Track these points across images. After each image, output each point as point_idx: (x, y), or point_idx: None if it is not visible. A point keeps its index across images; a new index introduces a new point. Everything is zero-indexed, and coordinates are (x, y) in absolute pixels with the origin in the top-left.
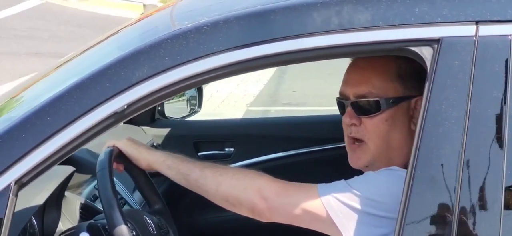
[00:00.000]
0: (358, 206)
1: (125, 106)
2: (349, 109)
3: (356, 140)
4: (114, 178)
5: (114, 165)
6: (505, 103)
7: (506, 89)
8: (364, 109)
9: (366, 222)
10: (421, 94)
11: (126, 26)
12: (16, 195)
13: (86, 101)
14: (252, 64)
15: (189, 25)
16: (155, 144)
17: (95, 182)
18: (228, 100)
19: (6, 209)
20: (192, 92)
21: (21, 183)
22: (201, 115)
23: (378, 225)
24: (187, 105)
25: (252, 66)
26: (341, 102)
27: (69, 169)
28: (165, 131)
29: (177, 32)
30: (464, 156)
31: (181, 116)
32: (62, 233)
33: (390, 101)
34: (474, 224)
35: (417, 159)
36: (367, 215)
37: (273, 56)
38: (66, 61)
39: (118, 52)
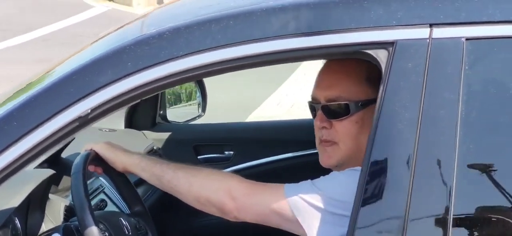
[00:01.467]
0: (322, 206)
1: (89, 111)
2: (319, 112)
3: (328, 141)
4: (106, 180)
5: (92, 168)
6: (457, 105)
7: (459, 91)
8: (334, 112)
9: (330, 221)
10: None
11: (108, 33)
12: None
13: (51, 106)
14: (212, 68)
15: (153, 30)
16: (155, 147)
17: None
18: (298, 104)
19: None
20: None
21: None
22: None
23: (342, 224)
24: (198, 109)
25: (212, 71)
26: (312, 106)
27: (48, 172)
28: (165, 135)
29: (140, 38)
30: (416, 157)
31: (184, 120)
32: (40, 234)
33: (359, 104)
34: (424, 225)
35: (370, 160)
36: (331, 215)
37: (232, 60)
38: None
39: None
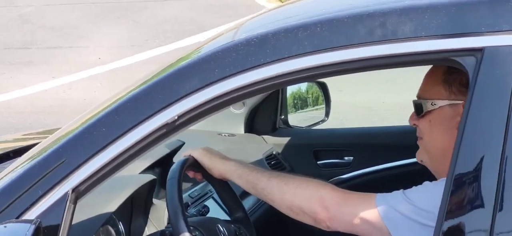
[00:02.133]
0: (413, 217)
1: (176, 117)
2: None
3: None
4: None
5: (192, 174)
6: None
7: None
8: (416, 109)
9: (421, 232)
10: None
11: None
12: (74, 203)
13: (139, 113)
14: (297, 76)
15: (241, 37)
16: (274, 152)
17: (192, 190)
18: None
19: (63, 216)
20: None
21: (78, 191)
22: None
23: None
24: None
25: (297, 78)
26: None
27: (148, 177)
28: (285, 140)
29: (229, 45)
30: (504, 168)
31: (307, 125)
32: None
33: (431, 103)
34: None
35: (455, 169)
36: (421, 226)
37: (317, 67)
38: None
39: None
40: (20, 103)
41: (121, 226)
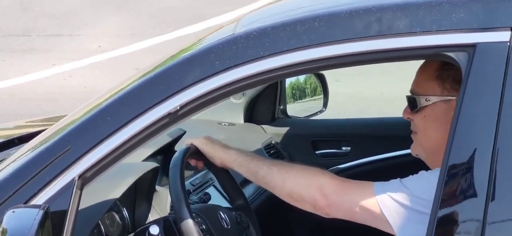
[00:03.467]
0: (410, 205)
1: (178, 107)
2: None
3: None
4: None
5: (194, 162)
6: None
7: None
8: (409, 104)
9: (418, 220)
10: None
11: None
12: (81, 189)
13: (143, 102)
14: (295, 68)
15: (241, 31)
16: (273, 142)
17: (194, 178)
18: None
19: (70, 202)
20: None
21: (84, 178)
22: None
23: (427, 223)
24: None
25: (295, 71)
26: None
27: (151, 165)
28: (284, 130)
29: (229, 38)
30: (495, 161)
31: (305, 115)
32: (144, 225)
33: (425, 99)
34: (503, 229)
35: (448, 161)
36: (418, 213)
37: (315, 61)
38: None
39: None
40: (21, 90)
41: (125, 212)
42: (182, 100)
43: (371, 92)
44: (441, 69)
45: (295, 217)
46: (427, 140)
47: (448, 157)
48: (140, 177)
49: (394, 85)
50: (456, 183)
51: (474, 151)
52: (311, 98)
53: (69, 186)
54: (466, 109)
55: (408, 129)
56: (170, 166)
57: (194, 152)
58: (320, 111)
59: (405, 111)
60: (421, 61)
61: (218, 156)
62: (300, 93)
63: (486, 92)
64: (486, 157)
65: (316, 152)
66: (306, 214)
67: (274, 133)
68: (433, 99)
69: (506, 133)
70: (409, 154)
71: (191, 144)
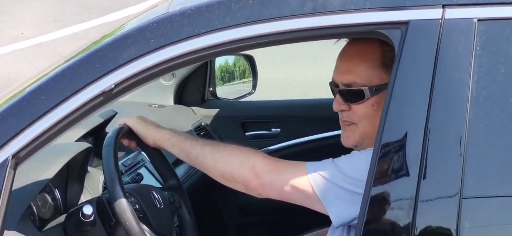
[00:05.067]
0: (342, 184)
1: (113, 86)
2: (337, 96)
3: (348, 122)
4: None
5: (126, 142)
6: (468, 85)
7: (470, 72)
8: (351, 96)
9: (349, 199)
10: None
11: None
12: (14, 169)
13: (77, 81)
14: (230, 46)
15: (175, 9)
16: (203, 124)
17: (125, 158)
18: None
19: (3, 181)
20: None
21: (18, 157)
22: None
23: (359, 202)
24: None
25: (231, 49)
26: (332, 89)
27: (84, 145)
28: (214, 112)
29: (164, 16)
30: (427, 138)
31: (234, 97)
32: (76, 206)
33: (374, 89)
34: (435, 205)
35: (381, 140)
36: (350, 193)
37: (249, 38)
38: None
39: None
40: None
41: (57, 193)
42: (117, 78)
43: (295, 77)
44: (384, 56)
45: (227, 197)
46: (372, 126)
47: (381, 137)
48: (73, 157)
49: (317, 71)
50: (389, 162)
51: (407, 130)
52: (240, 81)
53: (2, 165)
54: (398, 87)
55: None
56: (103, 145)
57: (127, 132)
58: (249, 93)
59: (338, 103)
60: (347, 52)
61: (151, 136)
62: (229, 75)
63: (419, 69)
64: (418, 136)
65: (246, 133)
66: (238, 194)
67: (204, 115)
68: (381, 87)
69: (438, 111)
70: (338, 136)
71: (124, 124)
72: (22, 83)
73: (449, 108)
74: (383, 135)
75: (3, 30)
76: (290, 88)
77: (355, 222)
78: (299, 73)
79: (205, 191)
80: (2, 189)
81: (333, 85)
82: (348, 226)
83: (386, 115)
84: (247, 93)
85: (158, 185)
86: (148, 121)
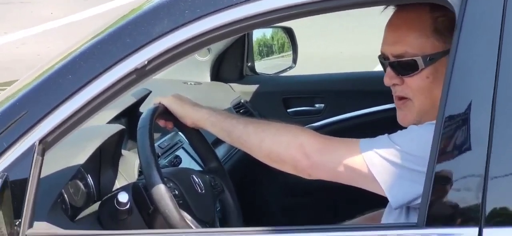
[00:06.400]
0: (400, 162)
1: (146, 62)
2: (388, 70)
3: (402, 98)
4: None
5: (163, 122)
6: None
7: None
8: (403, 68)
9: (408, 177)
10: None
11: None
12: (42, 155)
13: (107, 58)
14: (271, 16)
15: None
16: (242, 101)
17: (161, 140)
18: None
19: (31, 169)
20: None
21: (45, 143)
22: None
23: (420, 181)
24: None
25: (271, 19)
26: (382, 62)
27: (117, 127)
28: (253, 88)
29: None
30: (495, 109)
31: (274, 72)
32: (111, 193)
33: (428, 58)
34: (507, 182)
35: (444, 113)
36: (408, 171)
37: (289, 8)
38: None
39: None
40: None
41: (90, 180)
42: (150, 54)
43: (330, 52)
44: (435, 22)
45: (271, 178)
46: (429, 101)
47: (444, 109)
48: (105, 141)
49: (353, 45)
50: (454, 137)
51: (472, 100)
52: (279, 54)
53: (29, 152)
54: (461, 55)
55: (383, 84)
56: (138, 127)
57: (162, 112)
58: (290, 68)
59: (390, 77)
60: (395, 22)
61: (189, 115)
62: (267, 50)
63: (483, 35)
64: (486, 107)
65: (288, 110)
66: (283, 174)
67: (242, 91)
68: (438, 56)
69: (506, 79)
70: (387, 110)
71: (160, 103)
72: (48, 61)
73: None
74: (446, 107)
75: (33, 11)
76: (326, 63)
77: (415, 202)
78: (334, 47)
79: (248, 172)
80: (30, 177)
81: (383, 58)
82: (407, 207)
83: (449, 85)
84: (287, 68)
85: (198, 168)
86: (185, 100)
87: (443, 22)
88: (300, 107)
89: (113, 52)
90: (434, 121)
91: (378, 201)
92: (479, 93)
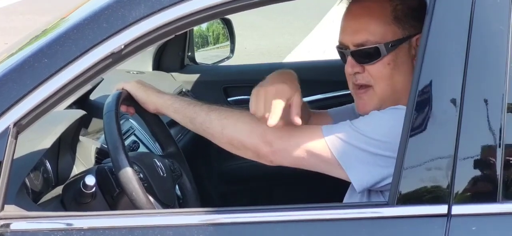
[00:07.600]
0: (363, 146)
1: (122, 46)
2: (349, 58)
3: (362, 86)
4: (136, 122)
5: (124, 108)
6: (507, 36)
7: (509, 21)
8: (364, 57)
9: (371, 162)
10: (420, 32)
11: None
12: (16, 138)
13: (83, 42)
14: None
15: None
16: (184, 90)
17: None
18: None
19: (5, 152)
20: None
21: (20, 125)
22: None
23: (383, 165)
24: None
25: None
26: (342, 52)
27: (79, 112)
28: (194, 77)
29: None
30: (464, 92)
31: (213, 62)
32: (72, 177)
33: (390, 45)
34: (474, 163)
35: (416, 97)
36: (371, 155)
37: None
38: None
39: None
40: None
41: (48, 165)
42: (127, 38)
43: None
44: (395, 10)
45: (209, 165)
46: (390, 87)
47: (415, 94)
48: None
49: (256, 40)
50: (425, 118)
51: (443, 84)
52: (215, 46)
53: (3, 135)
54: (432, 39)
55: (325, 73)
56: (104, 112)
57: (125, 97)
58: (228, 58)
59: (351, 65)
60: (354, 11)
61: (152, 101)
62: (202, 41)
63: (454, 20)
64: (455, 90)
65: (229, 99)
66: (219, 161)
67: (184, 80)
68: (397, 42)
69: (475, 62)
70: (337, 97)
71: (123, 88)
72: (19, 41)
73: (487, 61)
74: (417, 91)
75: None
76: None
77: (378, 186)
78: (237, 43)
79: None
80: (3, 160)
81: (342, 48)
82: (369, 190)
83: (421, 71)
84: (225, 58)
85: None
86: (148, 86)
87: (402, 9)
88: (240, 96)
89: (89, 36)
90: (396, 106)
91: (316, 189)
92: (449, 77)
